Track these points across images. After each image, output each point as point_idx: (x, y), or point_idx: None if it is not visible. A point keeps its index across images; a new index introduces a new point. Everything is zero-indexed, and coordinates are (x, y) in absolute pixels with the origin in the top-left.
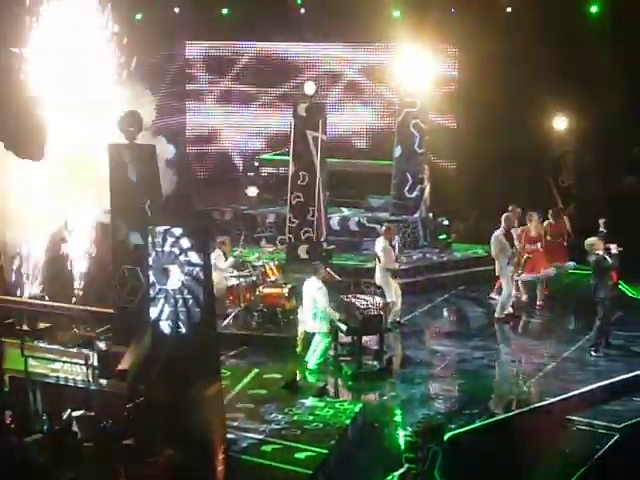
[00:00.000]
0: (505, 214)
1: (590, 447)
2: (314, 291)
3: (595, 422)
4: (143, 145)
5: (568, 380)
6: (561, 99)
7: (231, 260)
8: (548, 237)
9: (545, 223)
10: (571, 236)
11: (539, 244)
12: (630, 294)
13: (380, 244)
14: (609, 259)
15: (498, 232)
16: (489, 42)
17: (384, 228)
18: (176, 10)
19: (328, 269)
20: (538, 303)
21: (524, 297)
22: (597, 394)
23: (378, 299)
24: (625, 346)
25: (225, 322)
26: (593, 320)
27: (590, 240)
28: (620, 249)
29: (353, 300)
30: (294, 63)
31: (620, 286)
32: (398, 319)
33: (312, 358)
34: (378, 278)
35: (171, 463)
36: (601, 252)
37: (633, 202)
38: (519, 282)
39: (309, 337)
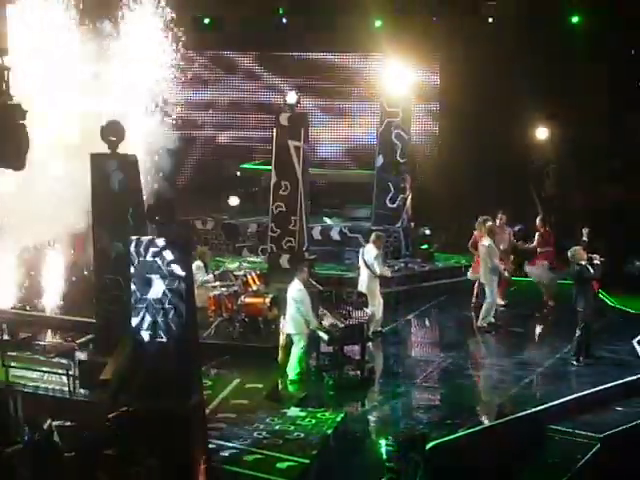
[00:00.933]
0: (489, 224)
1: (571, 456)
2: (294, 293)
3: (576, 431)
4: (126, 154)
5: (550, 389)
6: (544, 110)
7: (210, 276)
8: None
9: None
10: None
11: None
12: (610, 303)
13: (372, 253)
14: (591, 269)
15: (489, 242)
16: (471, 52)
17: (374, 237)
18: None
19: (310, 279)
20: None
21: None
22: (578, 403)
23: (367, 310)
24: (606, 355)
25: (207, 332)
26: (575, 330)
27: (573, 250)
28: (602, 259)
29: (334, 310)
30: (276, 72)
31: (600, 295)
32: (380, 328)
33: (291, 364)
34: (364, 286)
35: (153, 473)
36: (584, 262)
37: (614, 213)
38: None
39: (290, 347)
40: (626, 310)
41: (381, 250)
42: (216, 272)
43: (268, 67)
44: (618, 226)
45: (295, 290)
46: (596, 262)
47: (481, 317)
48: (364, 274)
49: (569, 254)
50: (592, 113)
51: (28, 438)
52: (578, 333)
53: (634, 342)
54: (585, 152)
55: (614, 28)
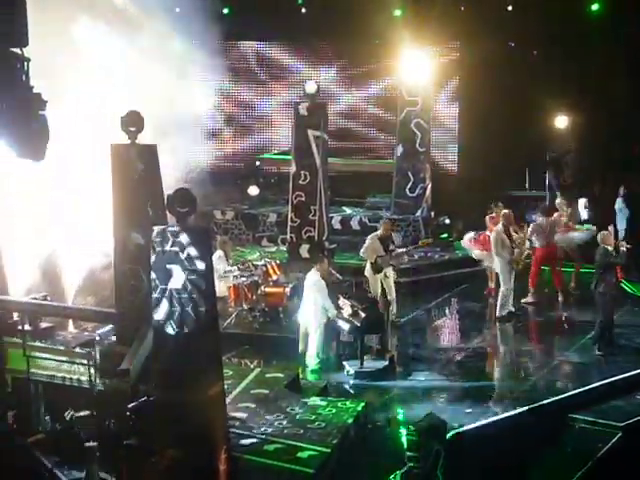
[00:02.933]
0: (504, 211)
1: (593, 445)
2: (312, 282)
3: (598, 420)
4: (145, 145)
5: (571, 378)
6: (563, 98)
7: (233, 267)
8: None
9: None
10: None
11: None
12: (631, 291)
13: (370, 236)
14: (615, 255)
15: (499, 228)
16: (491, 41)
17: (381, 222)
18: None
19: (331, 268)
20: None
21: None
22: (600, 392)
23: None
24: (628, 344)
25: (227, 322)
26: (596, 317)
27: (602, 233)
28: (629, 247)
29: (354, 299)
30: (295, 62)
31: (623, 284)
32: (394, 318)
33: (310, 354)
34: (366, 270)
35: (173, 463)
36: (610, 247)
37: (634, 200)
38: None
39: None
40: None
41: (395, 238)
42: (240, 265)
43: (286, 57)
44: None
45: (313, 279)
46: (622, 249)
47: (499, 306)
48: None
49: (598, 237)
50: (611, 100)
51: (49, 428)
52: (599, 320)
53: None
54: (604, 139)
55: (633, 14)
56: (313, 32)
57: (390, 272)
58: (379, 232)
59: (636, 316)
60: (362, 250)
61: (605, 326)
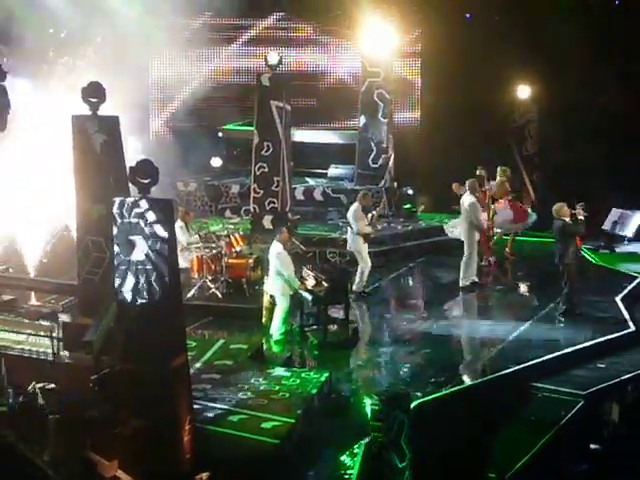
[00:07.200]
0: (470, 180)
1: (555, 413)
2: (275, 255)
3: (560, 389)
4: (107, 116)
5: (534, 347)
6: (525, 68)
7: (195, 237)
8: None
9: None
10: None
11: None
12: (592, 260)
13: (352, 208)
14: (575, 225)
15: (472, 198)
16: (453, 10)
17: (360, 195)
18: None
19: (293, 239)
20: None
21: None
22: (562, 361)
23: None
24: (590, 312)
25: (190, 293)
26: (557, 286)
27: (557, 205)
28: (586, 214)
29: (318, 270)
30: (256, 35)
31: (583, 252)
32: (363, 289)
33: (275, 325)
34: (351, 245)
35: (137, 434)
36: (567, 218)
37: (595, 171)
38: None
39: (274, 307)
40: (607, 267)
41: (370, 208)
42: (201, 233)
43: (247, 29)
44: (599, 182)
45: (276, 251)
46: (580, 218)
47: (462, 276)
48: (350, 232)
49: (553, 210)
50: (574, 70)
51: (12, 401)
52: (565, 290)
53: (617, 299)
54: (566, 109)
55: None
56: (273, 5)
57: None
58: (359, 204)
59: (597, 285)
60: (355, 227)
61: (570, 295)
